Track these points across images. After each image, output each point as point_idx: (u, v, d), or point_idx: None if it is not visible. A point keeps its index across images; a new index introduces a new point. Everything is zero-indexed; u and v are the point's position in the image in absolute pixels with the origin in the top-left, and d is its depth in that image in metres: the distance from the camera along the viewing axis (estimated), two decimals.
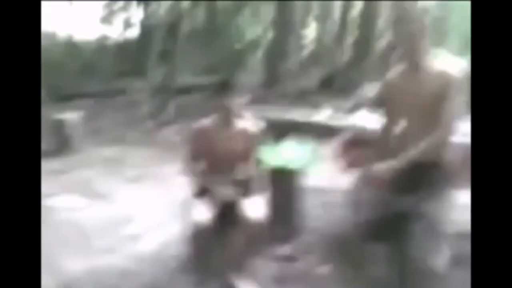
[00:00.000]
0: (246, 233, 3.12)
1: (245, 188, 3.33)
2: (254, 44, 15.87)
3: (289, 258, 3.71)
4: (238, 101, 3.28)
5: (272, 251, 3.73)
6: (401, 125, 3.04)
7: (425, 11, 2.96)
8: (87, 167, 6.20)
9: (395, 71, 3.06)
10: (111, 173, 5.99)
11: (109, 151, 7.14)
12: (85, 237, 4.08)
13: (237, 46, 15.32)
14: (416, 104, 2.87)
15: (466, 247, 3.85)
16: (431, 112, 2.84)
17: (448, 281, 3.04)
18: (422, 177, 2.92)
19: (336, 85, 11.72)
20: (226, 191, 3.23)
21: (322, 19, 16.16)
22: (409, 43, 2.85)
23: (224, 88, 3.27)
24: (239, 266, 3.23)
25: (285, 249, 3.80)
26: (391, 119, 3.11)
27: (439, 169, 2.92)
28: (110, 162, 6.54)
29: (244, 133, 3.38)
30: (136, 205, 4.93)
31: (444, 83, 2.80)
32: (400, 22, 2.99)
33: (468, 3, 2.50)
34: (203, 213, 3.13)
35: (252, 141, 3.42)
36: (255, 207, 3.20)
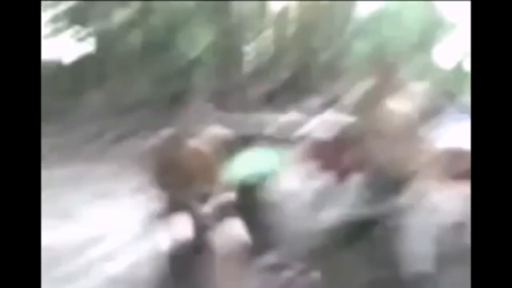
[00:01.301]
0: (228, 253, 2.95)
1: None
2: (193, 65, 15.77)
3: (275, 267, 3.58)
4: (196, 113, 3.15)
5: (255, 262, 3.57)
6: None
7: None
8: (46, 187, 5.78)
9: None
10: (72, 192, 5.63)
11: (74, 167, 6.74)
12: (52, 261, 3.77)
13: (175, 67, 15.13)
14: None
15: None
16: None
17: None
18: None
19: (277, 100, 11.77)
20: (206, 209, 3.05)
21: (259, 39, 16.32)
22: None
23: (178, 100, 3.13)
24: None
25: (269, 258, 3.67)
26: None
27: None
28: (69, 181, 6.15)
29: (197, 153, 3.26)
30: (101, 224, 4.65)
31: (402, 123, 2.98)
32: None
33: None
34: (182, 230, 2.93)
35: (206, 160, 3.29)
36: (234, 225, 3.04)
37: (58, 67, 14.53)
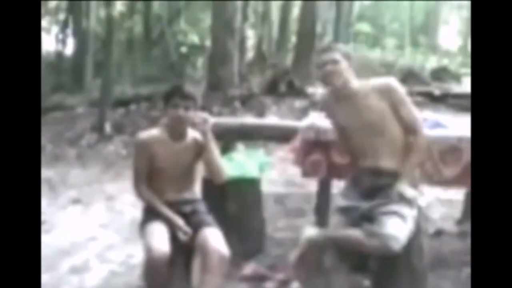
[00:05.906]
0: (206, 265, 2.72)
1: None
2: (193, 52, 15.56)
3: (258, 277, 3.37)
4: (192, 109, 2.84)
5: (237, 271, 3.37)
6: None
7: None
8: None
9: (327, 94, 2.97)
10: (52, 195, 5.45)
11: (49, 172, 6.55)
12: None
13: (176, 55, 14.97)
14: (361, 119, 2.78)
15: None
16: (381, 121, 2.75)
17: None
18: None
19: (281, 89, 11.51)
20: (184, 231, 2.83)
21: (261, 24, 16.04)
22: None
23: (175, 94, 2.85)
24: None
25: (251, 267, 3.46)
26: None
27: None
28: (50, 183, 5.97)
29: (196, 144, 2.98)
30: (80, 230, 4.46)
31: (386, 95, 2.73)
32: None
33: None
34: (158, 240, 2.70)
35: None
36: (213, 235, 2.81)
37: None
